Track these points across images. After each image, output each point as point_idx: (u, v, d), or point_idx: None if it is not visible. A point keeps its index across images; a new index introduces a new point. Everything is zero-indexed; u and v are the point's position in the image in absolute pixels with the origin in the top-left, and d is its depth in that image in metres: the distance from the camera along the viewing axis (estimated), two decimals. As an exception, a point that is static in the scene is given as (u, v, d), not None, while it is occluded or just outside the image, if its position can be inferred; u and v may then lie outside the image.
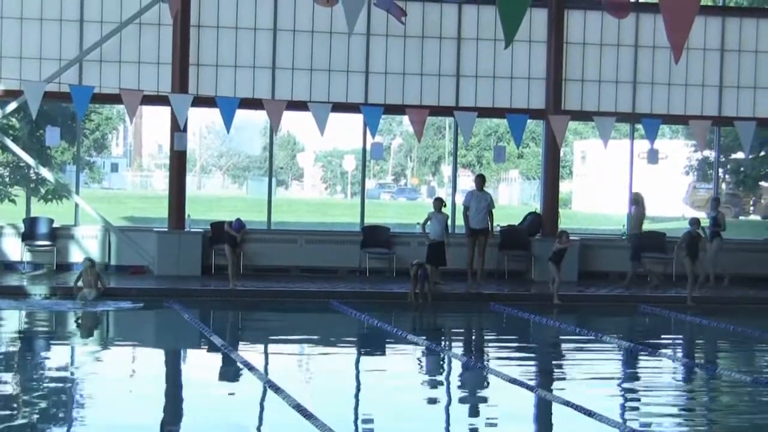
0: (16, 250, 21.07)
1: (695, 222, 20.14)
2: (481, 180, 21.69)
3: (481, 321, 18.38)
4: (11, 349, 14.00)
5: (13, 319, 16.51)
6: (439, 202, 20.33)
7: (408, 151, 77.76)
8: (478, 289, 20.18)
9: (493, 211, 21.33)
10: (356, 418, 10.71)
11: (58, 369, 12.89)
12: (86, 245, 21.00)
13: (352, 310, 17.50)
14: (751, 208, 46.95)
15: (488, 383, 12.55)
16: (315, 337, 15.83)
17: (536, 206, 27.01)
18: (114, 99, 19.84)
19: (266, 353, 14.68)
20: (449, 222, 20.88)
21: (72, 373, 12.66)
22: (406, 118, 21.34)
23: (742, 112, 22.70)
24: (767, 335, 16.31)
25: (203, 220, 23.88)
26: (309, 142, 78.71)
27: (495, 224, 21.59)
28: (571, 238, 20.03)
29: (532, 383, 12.36)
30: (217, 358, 13.76)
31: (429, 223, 20.07)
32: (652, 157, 21.09)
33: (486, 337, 17.06)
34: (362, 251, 21.84)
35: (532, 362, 14.56)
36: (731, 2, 33.23)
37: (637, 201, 21.72)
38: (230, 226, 19.64)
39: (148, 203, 44.05)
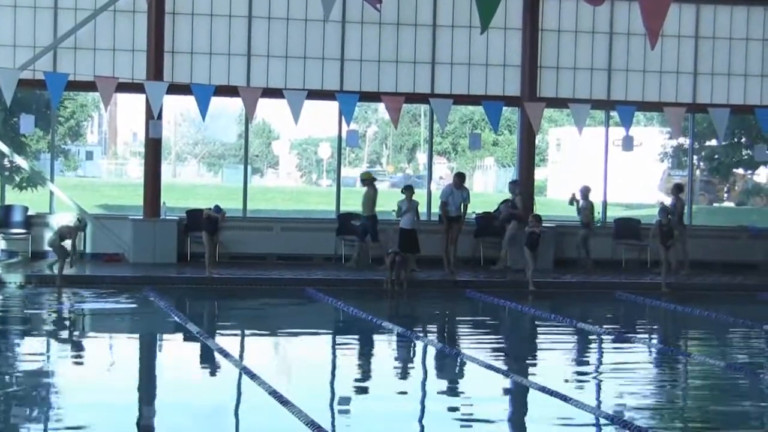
0: (-10, 238, 20.99)
1: (663, 210, 20.21)
2: (460, 178, 21.57)
3: (456, 308, 18.39)
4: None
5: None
6: (409, 190, 20.29)
7: (383, 138, 77.58)
8: (453, 276, 20.22)
9: (468, 204, 21.27)
10: (332, 404, 10.73)
11: (33, 360, 12.88)
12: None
13: (328, 297, 17.51)
14: (725, 194, 47.18)
15: (463, 369, 12.58)
16: (290, 324, 15.84)
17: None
18: (89, 86, 19.78)
19: (242, 340, 14.68)
20: (422, 209, 20.86)
21: (44, 362, 12.65)
22: (381, 106, 21.32)
23: (716, 99, 22.81)
24: (741, 321, 16.42)
25: (179, 208, 23.82)
26: (284, 129, 78.30)
27: (470, 211, 21.69)
28: (544, 224, 20.13)
29: (506, 369, 12.42)
30: (193, 346, 13.74)
31: (402, 210, 20.01)
32: (627, 144, 21.18)
33: (461, 324, 17.09)
34: (338, 238, 21.84)
35: (507, 348, 14.60)
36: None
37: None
38: (209, 211, 19.53)
39: (123, 191, 43.80)
